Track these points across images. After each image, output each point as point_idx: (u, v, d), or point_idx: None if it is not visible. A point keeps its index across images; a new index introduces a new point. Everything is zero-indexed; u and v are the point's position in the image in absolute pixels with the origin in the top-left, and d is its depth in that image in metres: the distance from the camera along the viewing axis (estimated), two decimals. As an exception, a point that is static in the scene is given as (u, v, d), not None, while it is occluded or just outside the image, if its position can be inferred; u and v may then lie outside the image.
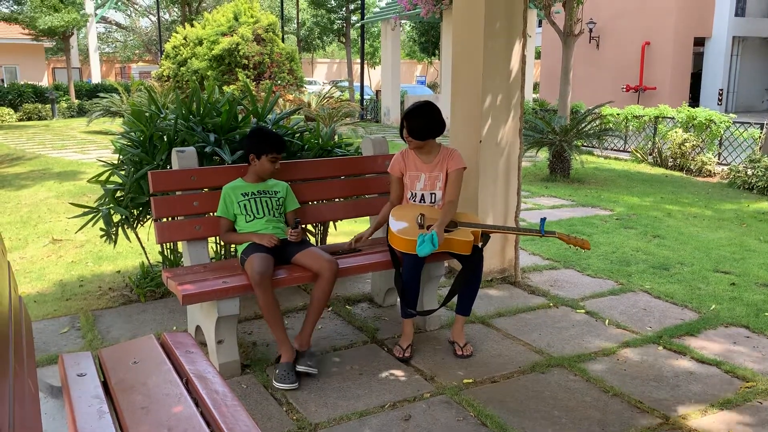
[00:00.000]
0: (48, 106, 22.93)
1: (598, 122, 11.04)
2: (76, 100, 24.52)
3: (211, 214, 3.60)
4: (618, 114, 13.18)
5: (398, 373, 3.33)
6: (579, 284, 4.76)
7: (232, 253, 4.44)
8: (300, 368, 3.25)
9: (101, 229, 4.31)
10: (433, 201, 3.64)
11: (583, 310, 4.22)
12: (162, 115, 4.42)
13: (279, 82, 15.94)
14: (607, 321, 4.04)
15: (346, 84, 23.07)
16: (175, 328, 3.92)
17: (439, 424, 2.85)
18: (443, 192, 3.62)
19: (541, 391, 3.15)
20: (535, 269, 5.11)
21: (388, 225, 3.54)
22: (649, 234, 6.29)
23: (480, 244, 3.51)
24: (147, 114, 4.45)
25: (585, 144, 11.40)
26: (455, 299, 3.59)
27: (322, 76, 43.81)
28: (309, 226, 4.80)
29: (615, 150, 13.28)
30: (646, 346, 3.69)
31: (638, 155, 12.20)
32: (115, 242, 4.34)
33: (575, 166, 10.14)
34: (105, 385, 2.23)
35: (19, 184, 9.24)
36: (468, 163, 4.43)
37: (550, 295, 4.50)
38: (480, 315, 4.10)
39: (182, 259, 3.97)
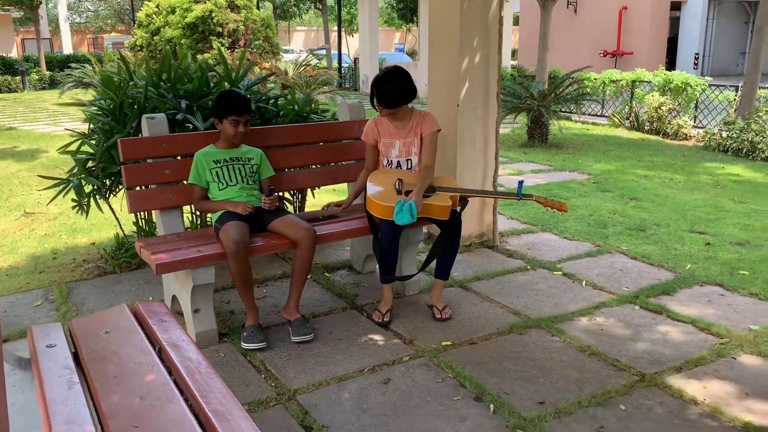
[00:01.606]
0: (18, 78, 22.33)
1: (575, 87, 11.02)
2: (47, 72, 23.90)
3: (184, 182, 3.53)
4: (595, 79, 13.18)
5: (377, 337, 3.33)
6: (556, 247, 4.78)
7: (208, 223, 4.38)
8: (295, 339, 3.24)
9: (73, 200, 4.22)
10: (409, 167, 3.60)
11: (560, 272, 4.25)
12: (133, 83, 4.30)
13: (254, 50, 15.65)
14: (584, 282, 4.07)
15: (324, 52, 22.72)
16: (151, 298, 3.87)
17: (418, 386, 2.85)
18: (419, 157, 3.58)
19: (519, 351, 3.17)
20: (513, 233, 5.12)
21: (365, 191, 3.51)
22: (626, 197, 6.33)
23: (458, 209, 3.49)
24: (117, 81, 4.33)
25: (563, 110, 11.39)
26: (434, 264, 3.58)
27: (299, 44, 43.16)
28: (286, 194, 4.75)
29: (592, 115, 13.31)
30: (623, 305, 3.72)
31: (615, 120, 12.24)
32: (87, 213, 4.26)
33: (553, 131, 10.14)
34: (76, 356, 2.19)
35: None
36: (446, 129, 4.39)
37: (527, 258, 4.52)
38: (458, 279, 4.11)
39: (157, 229, 3.90)
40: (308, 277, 4.18)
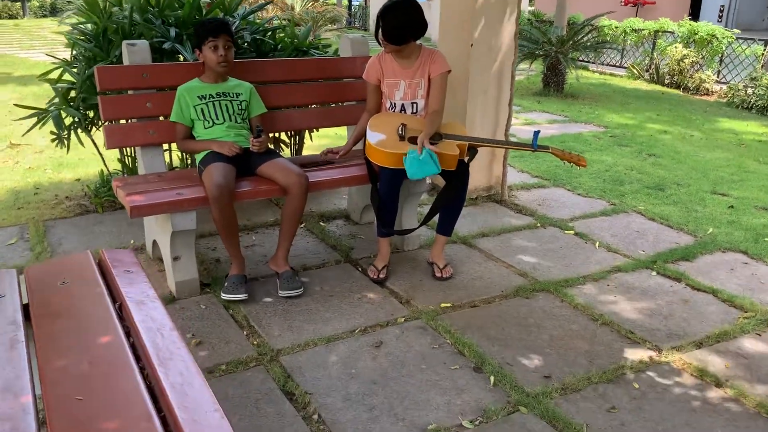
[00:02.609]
0: (18, 4, 21.66)
1: (595, 34, 10.48)
2: (49, -1, 23.19)
3: (166, 117, 3.21)
4: (616, 27, 12.57)
5: (371, 295, 3.08)
6: (569, 204, 4.48)
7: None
8: (282, 293, 3.00)
9: (51, 133, 3.92)
10: (414, 111, 3.28)
11: (572, 231, 3.96)
12: (117, 7, 3.93)
13: (260, -18, 14.97)
14: (597, 243, 3.79)
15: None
16: (132, 242, 3.61)
17: (412, 352, 2.61)
18: (426, 100, 3.25)
19: (524, 317, 2.92)
20: (523, 187, 4.81)
21: (365, 136, 3.19)
22: (644, 152, 5.98)
23: (466, 159, 3.17)
24: (102, 4, 3.96)
25: (581, 58, 10.90)
26: (436, 218, 3.29)
27: (309, -20, 41.73)
28: (283, 136, 4.43)
29: (611, 65, 12.76)
30: (639, 271, 3.45)
31: (635, 71, 11.71)
32: (68, 147, 3.96)
33: (570, 80, 9.66)
34: (26, 309, 1.94)
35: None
36: (457, 70, 4.03)
37: (537, 215, 4.23)
38: (462, 235, 3.83)
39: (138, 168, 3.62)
40: (301, 225, 3.92)
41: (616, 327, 2.86)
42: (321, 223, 3.98)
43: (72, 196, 4.39)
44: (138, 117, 3.19)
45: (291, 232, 3.07)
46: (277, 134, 4.35)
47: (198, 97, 3.12)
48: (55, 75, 3.97)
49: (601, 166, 5.43)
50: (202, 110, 3.11)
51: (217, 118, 3.12)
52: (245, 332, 2.73)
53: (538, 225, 4.05)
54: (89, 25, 3.93)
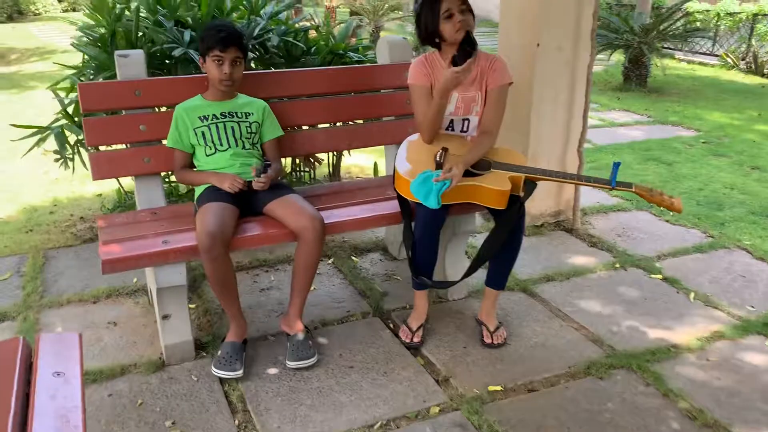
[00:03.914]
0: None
1: (684, 21, 9.40)
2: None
3: (163, 142, 2.70)
4: (708, 11, 11.36)
5: (401, 368, 2.46)
6: (655, 234, 3.72)
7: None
8: (291, 364, 2.43)
9: (54, 152, 3.50)
10: (465, 129, 2.63)
11: (659, 275, 3.22)
12: (123, 6, 3.46)
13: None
14: (692, 294, 3.04)
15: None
16: (135, 280, 3.14)
17: (446, 462, 2.00)
18: (480, 118, 2.60)
19: (597, 411, 2.24)
20: (599, 210, 4.06)
21: (394, 163, 2.58)
22: (746, 164, 5.08)
23: (521, 195, 2.49)
24: (111, 3, 3.50)
25: (665, 45, 9.81)
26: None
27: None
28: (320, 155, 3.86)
29: (700, 53, 11.54)
30: (749, 337, 2.70)
31: (729, 60, 10.52)
32: (73, 168, 3.53)
33: (654, 73, 8.66)
34: None
35: (35, 85, 8.54)
36: (519, 76, 3.33)
37: (616, 250, 3.50)
38: (522, 278, 3.16)
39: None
40: (328, 261, 3.35)
41: (723, 430, 2.15)
42: (353, 257, 3.39)
43: (87, 217, 3.99)
44: (130, 142, 2.69)
45: (305, 287, 2.50)
46: (298, 159, 3.82)
47: (199, 118, 2.58)
48: (65, 84, 3.55)
49: (693, 183, 4.59)
50: (203, 133, 2.57)
51: (221, 144, 2.57)
52: (237, 420, 2.17)
53: (618, 265, 3.33)
54: (101, 29, 3.48)
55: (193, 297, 2.97)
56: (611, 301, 2.97)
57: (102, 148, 2.76)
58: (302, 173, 4.03)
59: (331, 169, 4.05)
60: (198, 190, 2.56)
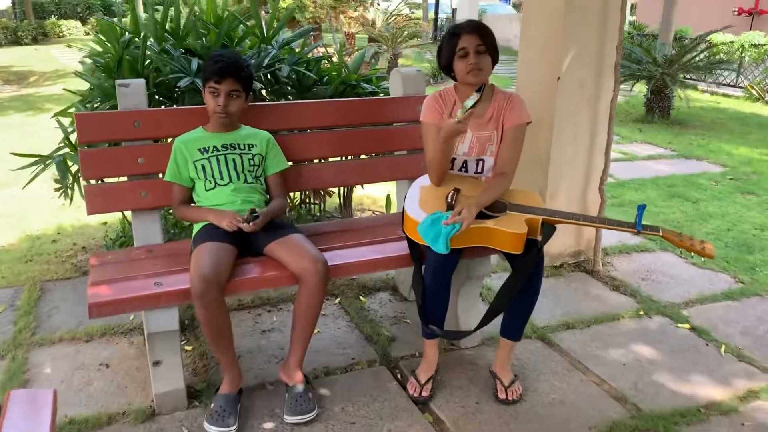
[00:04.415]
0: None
1: (708, 53, 9.22)
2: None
3: (160, 175, 2.57)
4: (731, 42, 11.18)
5: (408, 425, 2.28)
6: (681, 278, 3.51)
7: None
8: (288, 419, 2.26)
9: (55, 181, 3.40)
10: (479, 171, 2.47)
11: (687, 325, 3.01)
12: (131, 34, 3.37)
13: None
14: (723, 347, 2.83)
15: (420, 0, 21.22)
16: (132, 318, 2.99)
17: None
18: (495, 159, 2.44)
19: (621, 482, 2.04)
20: (621, 251, 3.87)
21: (404, 205, 2.42)
22: (776, 203, 4.87)
23: (539, 239, 2.32)
24: (119, 31, 3.42)
25: (688, 76, 9.63)
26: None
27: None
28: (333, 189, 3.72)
29: (724, 85, 11.33)
30: (787, 399, 2.48)
31: (754, 92, 10.30)
32: (71, 199, 3.42)
33: (678, 104, 8.47)
34: None
35: (50, 107, 8.56)
36: (538, 111, 3.18)
37: (640, 296, 3.29)
38: (539, 325, 2.97)
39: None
40: (335, 300, 3.18)
41: None
42: (361, 297, 3.22)
43: (89, 246, 3.88)
44: (128, 175, 2.56)
45: (306, 335, 2.34)
46: (304, 193, 3.70)
47: (199, 150, 2.45)
48: (74, 110, 3.46)
49: (721, 222, 4.38)
50: (203, 166, 2.44)
51: (221, 178, 2.44)
52: (227, 483, 2.00)
53: (642, 312, 3.12)
54: (104, 55, 3.39)
55: (189, 338, 2.81)
56: (635, 353, 2.77)
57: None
58: (311, 206, 3.90)
59: (342, 201, 3.91)
60: (195, 228, 2.42)
